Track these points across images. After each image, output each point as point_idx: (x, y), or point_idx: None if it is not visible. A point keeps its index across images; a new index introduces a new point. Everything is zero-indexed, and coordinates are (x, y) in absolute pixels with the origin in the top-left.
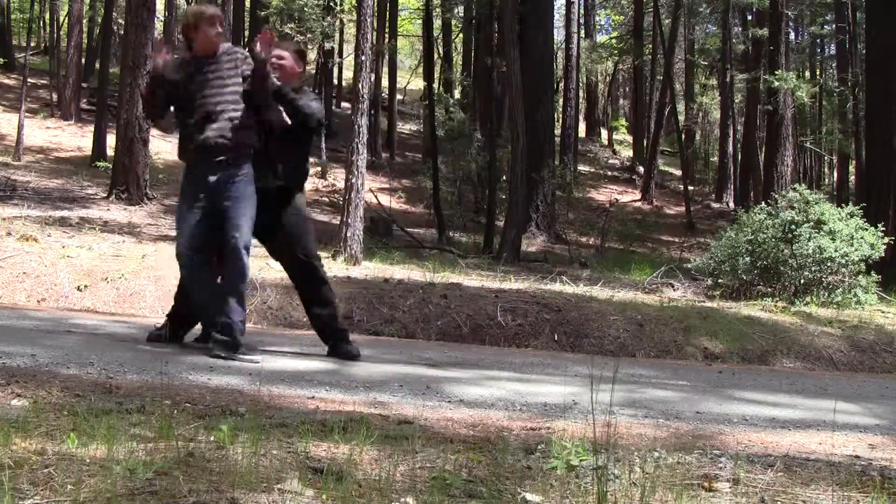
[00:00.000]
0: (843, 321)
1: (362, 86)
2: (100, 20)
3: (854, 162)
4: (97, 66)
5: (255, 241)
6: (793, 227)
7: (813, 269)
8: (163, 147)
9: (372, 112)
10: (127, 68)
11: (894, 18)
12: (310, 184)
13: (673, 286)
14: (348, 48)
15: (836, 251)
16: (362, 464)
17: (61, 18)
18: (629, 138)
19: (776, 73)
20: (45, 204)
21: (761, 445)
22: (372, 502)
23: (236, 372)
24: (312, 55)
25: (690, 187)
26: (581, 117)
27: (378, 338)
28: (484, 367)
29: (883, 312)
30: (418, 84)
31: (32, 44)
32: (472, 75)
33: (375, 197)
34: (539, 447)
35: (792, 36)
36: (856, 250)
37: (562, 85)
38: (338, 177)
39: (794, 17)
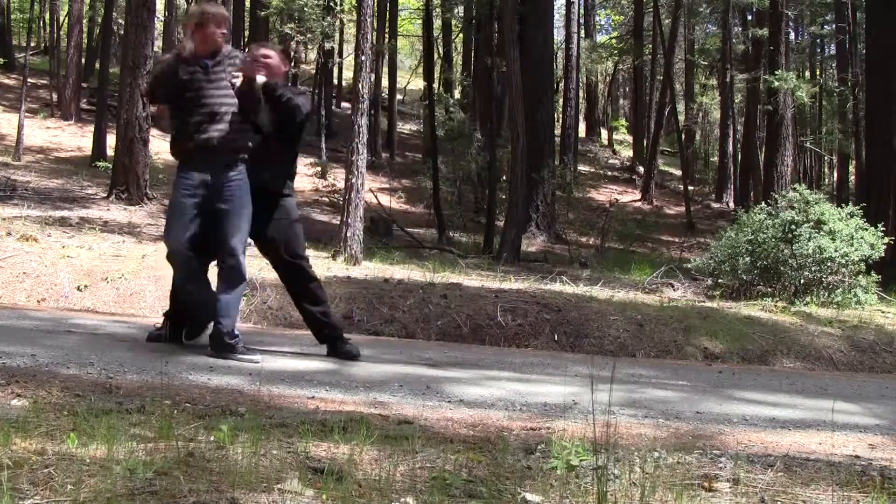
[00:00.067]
0: (843, 321)
1: (362, 86)
2: (100, 20)
3: (854, 162)
4: (97, 66)
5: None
6: (793, 227)
7: (813, 269)
8: (163, 147)
9: (372, 112)
10: (127, 68)
11: (894, 18)
12: (310, 184)
13: (673, 286)
14: (348, 48)
15: (836, 251)
16: (362, 464)
17: (61, 18)
18: (629, 138)
19: (776, 73)
20: (45, 204)
21: (761, 445)
22: (372, 502)
23: (236, 372)
24: (312, 55)
25: (690, 187)
26: (581, 117)
27: (378, 338)
28: (484, 367)
29: (883, 312)
30: (418, 84)
31: (32, 44)
32: (472, 75)
33: (375, 197)
34: (539, 447)
35: (792, 36)
36: (856, 250)
37: (562, 85)
38: (338, 177)
39: (794, 17)
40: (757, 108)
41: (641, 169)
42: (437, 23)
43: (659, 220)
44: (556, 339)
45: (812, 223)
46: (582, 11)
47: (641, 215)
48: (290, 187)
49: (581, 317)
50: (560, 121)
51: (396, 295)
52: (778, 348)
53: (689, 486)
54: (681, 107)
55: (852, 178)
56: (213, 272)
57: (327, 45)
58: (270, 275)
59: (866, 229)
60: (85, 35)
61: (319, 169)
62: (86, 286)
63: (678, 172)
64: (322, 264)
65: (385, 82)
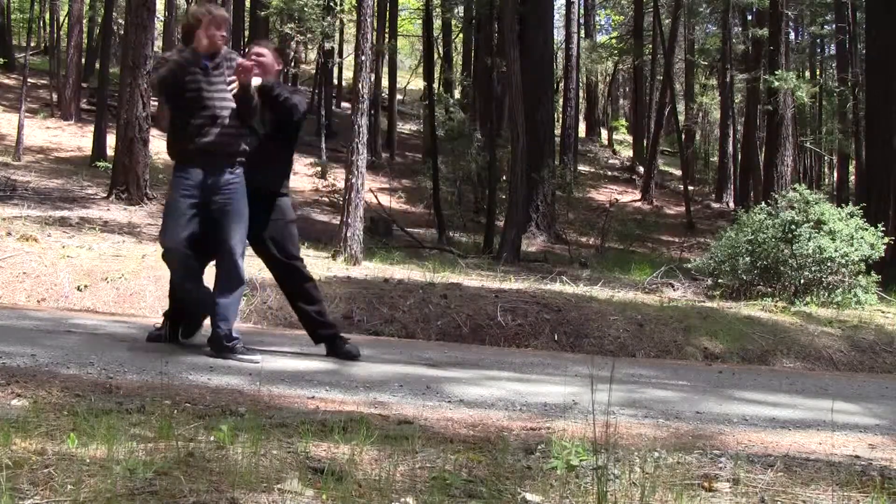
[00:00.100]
0: (843, 321)
1: (362, 86)
2: (100, 20)
3: (854, 162)
4: (97, 66)
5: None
6: (793, 227)
7: (813, 269)
8: (163, 147)
9: (372, 112)
10: (127, 68)
11: (894, 18)
12: (310, 184)
13: (673, 286)
14: (348, 48)
15: (836, 251)
16: (362, 464)
17: (61, 18)
18: (629, 138)
19: (776, 73)
20: (45, 204)
21: (761, 445)
22: (372, 502)
23: (236, 372)
24: (312, 55)
25: (690, 187)
26: (581, 117)
27: (378, 338)
28: (484, 367)
29: (883, 312)
30: (418, 84)
31: (32, 44)
32: (472, 75)
33: (375, 197)
34: (539, 447)
35: (792, 36)
36: (856, 250)
37: (562, 85)
38: (338, 177)
39: (794, 17)
40: (757, 108)
41: (641, 169)
42: (437, 23)
43: (659, 220)
44: (556, 339)
45: (812, 223)
46: (582, 11)
47: (641, 215)
48: (286, 187)
49: (581, 317)
50: (560, 121)
51: (396, 295)
52: (778, 348)
53: (689, 486)
54: (681, 107)
55: (852, 178)
56: (209, 273)
57: (327, 45)
58: (270, 275)
59: (866, 229)
60: (85, 35)
61: (319, 169)
62: (86, 286)
63: (678, 172)
64: (322, 264)
65: (385, 82)
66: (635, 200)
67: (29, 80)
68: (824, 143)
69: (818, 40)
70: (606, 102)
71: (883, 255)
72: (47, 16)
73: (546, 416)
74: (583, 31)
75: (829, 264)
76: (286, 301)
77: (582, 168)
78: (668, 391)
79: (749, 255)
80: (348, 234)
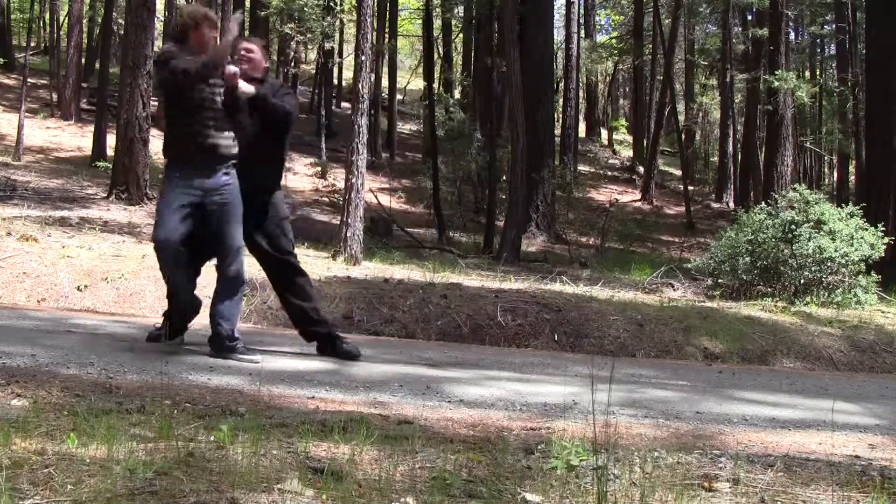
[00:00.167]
0: (843, 321)
1: (362, 86)
2: (100, 20)
3: (854, 162)
4: (97, 66)
5: None
6: (793, 227)
7: (813, 269)
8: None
9: (372, 112)
10: (127, 68)
11: (894, 18)
12: (310, 184)
13: (673, 286)
14: (348, 48)
15: (836, 251)
16: (362, 464)
17: (61, 18)
18: (629, 138)
19: (776, 73)
20: (45, 204)
21: (761, 445)
22: (372, 502)
23: (236, 372)
24: (312, 55)
25: (690, 187)
26: (581, 117)
27: (378, 338)
28: (484, 367)
29: (883, 312)
30: (418, 84)
31: (32, 44)
32: (472, 75)
33: (375, 197)
34: (539, 447)
35: (792, 36)
36: (856, 250)
37: (562, 85)
38: (338, 177)
39: (794, 17)
40: (757, 108)
41: (641, 169)
42: (437, 23)
43: (659, 220)
44: (556, 339)
45: (812, 223)
46: (582, 11)
47: (641, 215)
48: (279, 184)
49: (581, 317)
50: (560, 121)
51: (396, 295)
52: (778, 348)
53: (689, 486)
54: (681, 107)
55: (852, 178)
56: (205, 275)
57: (327, 45)
58: None
59: (866, 229)
60: (85, 35)
61: (319, 169)
62: (86, 286)
63: (678, 172)
64: (322, 264)
65: (385, 82)
66: (635, 200)
67: (29, 80)
68: (824, 143)
69: (818, 40)
70: (606, 102)
71: (883, 255)
72: (47, 16)
73: (546, 416)
74: (583, 31)
75: (829, 264)
76: None
77: (582, 168)
78: (668, 391)
79: (749, 255)
80: (348, 234)
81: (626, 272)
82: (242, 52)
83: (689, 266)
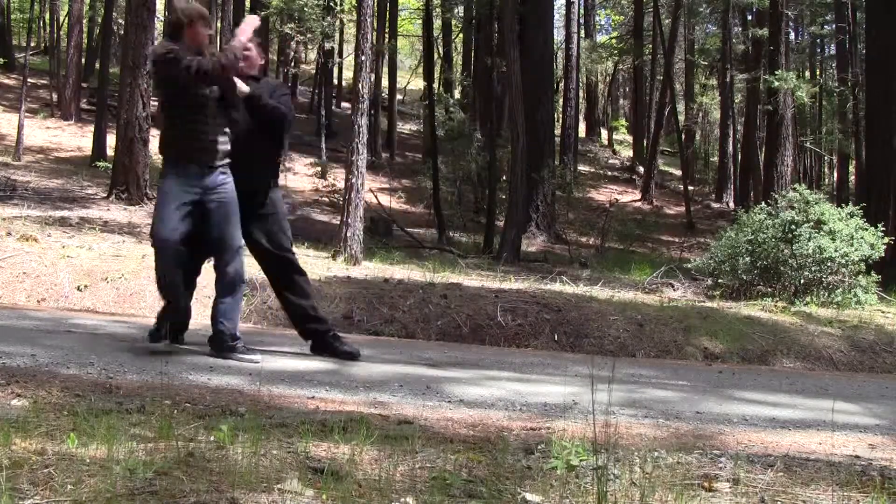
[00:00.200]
0: (843, 321)
1: (362, 86)
2: (100, 20)
3: (854, 162)
4: (97, 66)
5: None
6: (793, 227)
7: (813, 269)
8: None
9: (372, 112)
10: (127, 68)
11: (894, 18)
12: (310, 184)
13: (673, 286)
14: (348, 48)
15: (836, 251)
16: (362, 464)
17: (61, 18)
18: (629, 138)
19: (776, 73)
20: (45, 204)
21: (761, 445)
22: (372, 502)
23: (236, 372)
24: (312, 55)
25: (690, 187)
26: (581, 117)
27: (378, 338)
28: (484, 367)
29: (883, 312)
30: (418, 84)
31: (32, 44)
32: (472, 75)
33: (375, 197)
34: (539, 447)
35: (792, 36)
36: (856, 250)
37: (562, 85)
38: (338, 177)
39: (794, 17)
40: (757, 108)
41: (641, 169)
42: (437, 23)
43: (659, 220)
44: (556, 339)
45: (812, 223)
46: (582, 11)
47: (641, 215)
48: (274, 181)
49: (581, 317)
50: (560, 121)
51: (396, 295)
52: (778, 348)
53: (689, 486)
54: (681, 107)
55: (852, 178)
56: (205, 274)
57: (327, 45)
58: None
59: (866, 229)
60: (85, 35)
61: (319, 169)
62: (86, 286)
63: (678, 172)
64: (322, 264)
65: (385, 82)
66: (635, 200)
67: (29, 80)
68: (824, 143)
69: (818, 40)
70: (606, 102)
71: (883, 255)
72: (47, 16)
73: (546, 416)
74: (583, 31)
75: (829, 264)
76: None
77: (582, 168)
78: (668, 391)
79: (749, 255)
80: (348, 234)
81: (626, 272)
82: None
83: (689, 266)
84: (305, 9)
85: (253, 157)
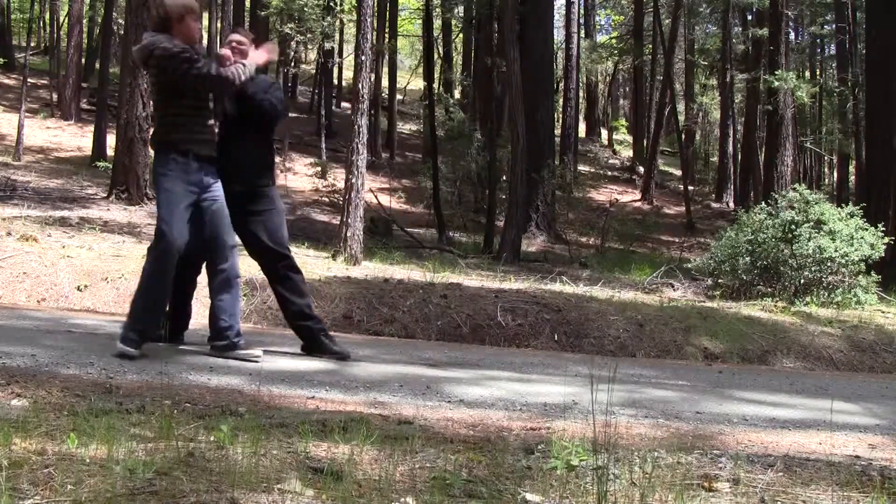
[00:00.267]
0: (843, 321)
1: (362, 86)
2: (100, 20)
3: (854, 162)
4: (97, 66)
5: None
6: (793, 227)
7: (813, 269)
8: None
9: (372, 112)
10: (127, 68)
11: (894, 18)
12: (310, 184)
13: (673, 286)
14: (348, 48)
15: (836, 251)
16: (362, 464)
17: (61, 18)
18: (629, 138)
19: (776, 73)
20: (45, 204)
21: (761, 445)
22: (372, 502)
23: (236, 372)
24: (312, 55)
25: (690, 187)
26: (581, 117)
27: (378, 338)
28: (484, 367)
29: (883, 312)
30: (418, 84)
31: (32, 44)
32: (472, 75)
33: (375, 197)
34: (539, 447)
35: (792, 36)
36: (856, 250)
37: (562, 85)
38: (338, 177)
39: (794, 17)
40: (757, 108)
41: (641, 169)
42: (437, 23)
43: (659, 220)
44: (556, 339)
45: (812, 223)
46: (582, 11)
47: (641, 215)
48: (271, 179)
49: (581, 317)
50: (560, 121)
51: (396, 295)
52: (778, 348)
53: (689, 486)
54: (681, 107)
55: (852, 178)
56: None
57: (327, 45)
58: None
59: (866, 229)
60: (85, 35)
61: (319, 169)
62: (86, 286)
63: (678, 172)
64: (322, 264)
65: (385, 82)
66: (635, 200)
67: (29, 80)
68: (824, 143)
69: (818, 40)
70: (606, 102)
71: (883, 255)
72: (47, 16)
73: (546, 416)
74: (583, 31)
75: (829, 264)
76: None
77: (582, 168)
78: (668, 391)
79: (749, 255)
80: (348, 234)
81: (626, 272)
82: (234, 45)
83: (689, 266)
84: (305, 9)
85: (246, 157)
